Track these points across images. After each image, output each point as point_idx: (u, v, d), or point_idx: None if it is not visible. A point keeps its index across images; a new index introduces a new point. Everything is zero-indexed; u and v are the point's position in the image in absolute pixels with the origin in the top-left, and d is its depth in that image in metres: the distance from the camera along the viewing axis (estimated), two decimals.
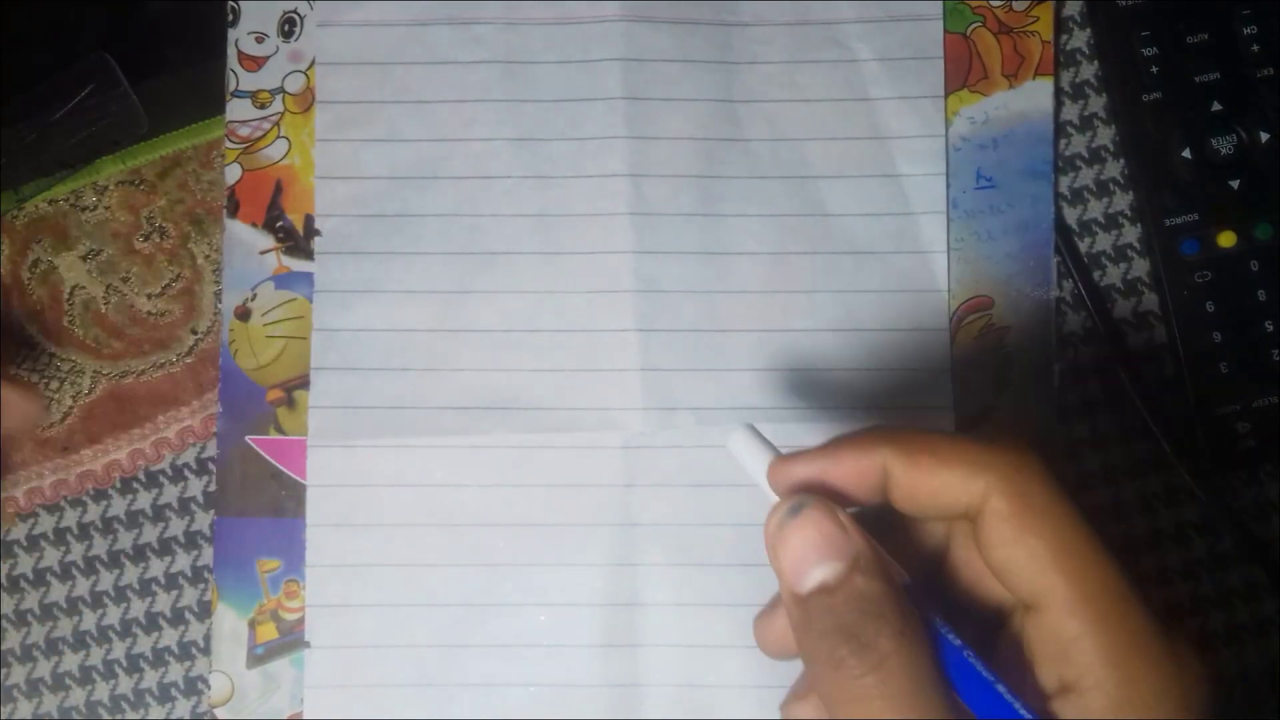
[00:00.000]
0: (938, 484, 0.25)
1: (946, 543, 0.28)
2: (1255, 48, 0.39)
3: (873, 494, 0.26)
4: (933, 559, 0.28)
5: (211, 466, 0.40)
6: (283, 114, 0.40)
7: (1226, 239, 0.39)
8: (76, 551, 0.40)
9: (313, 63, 0.40)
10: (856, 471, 0.26)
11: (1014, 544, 0.24)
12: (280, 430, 0.39)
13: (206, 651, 0.39)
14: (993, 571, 0.25)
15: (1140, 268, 0.40)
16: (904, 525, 0.28)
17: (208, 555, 0.40)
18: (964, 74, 0.40)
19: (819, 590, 0.25)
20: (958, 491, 0.25)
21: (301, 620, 0.39)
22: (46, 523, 0.40)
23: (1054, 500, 0.25)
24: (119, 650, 0.40)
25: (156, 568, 0.40)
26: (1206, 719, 0.23)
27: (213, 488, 0.40)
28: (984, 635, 0.27)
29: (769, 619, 0.28)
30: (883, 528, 0.27)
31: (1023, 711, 0.23)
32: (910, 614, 0.24)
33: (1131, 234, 0.40)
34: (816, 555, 0.25)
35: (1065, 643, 0.24)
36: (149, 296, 0.40)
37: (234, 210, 0.40)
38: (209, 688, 0.39)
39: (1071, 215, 0.40)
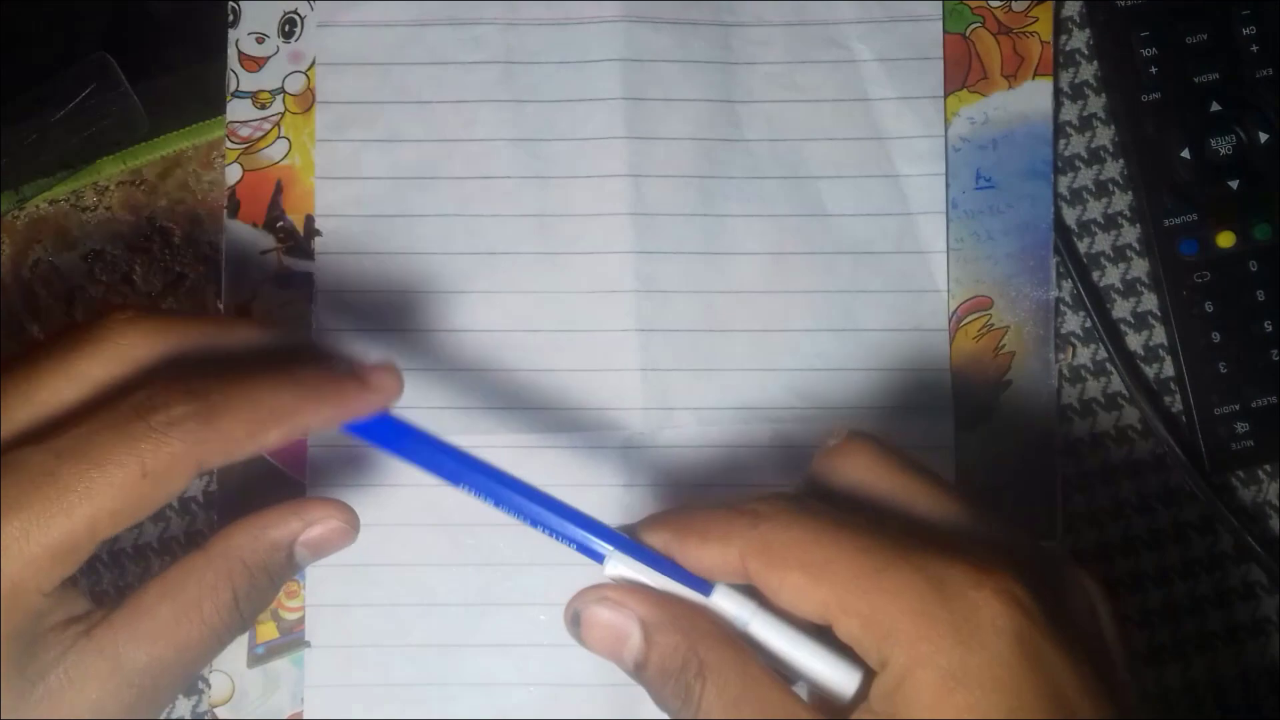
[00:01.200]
0: (708, 561, 0.27)
1: None
2: (1255, 48, 0.39)
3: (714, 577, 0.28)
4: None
5: None
6: (283, 114, 0.40)
7: (1225, 239, 0.39)
8: None
9: (313, 63, 0.40)
10: (688, 563, 0.28)
11: (780, 588, 0.26)
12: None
13: None
14: (786, 611, 0.27)
15: (1139, 268, 0.40)
16: None
17: None
18: (963, 74, 0.40)
19: (636, 669, 0.27)
20: (724, 563, 0.26)
21: (302, 620, 0.39)
22: None
23: (797, 533, 0.26)
24: None
25: (157, 567, 0.40)
26: (1002, 647, 0.24)
27: (213, 488, 0.40)
28: None
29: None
30: None
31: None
32: (704, 644, 0.26)
33: (1131, 234, 0.40)
34: (614, 642, 0.27)
35: (855, 640, 0.25)
36: (150, 297, 0.40)
37: (234, 210, 0.40)
38: (209, 687, 0.39)
39: (1071, 215, 0.40)
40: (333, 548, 0.31)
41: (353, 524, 0.31)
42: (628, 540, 0.28)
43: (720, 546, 0.27)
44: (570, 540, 0.29)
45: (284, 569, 0.30)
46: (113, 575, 0.40)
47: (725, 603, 0.27)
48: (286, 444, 0.29)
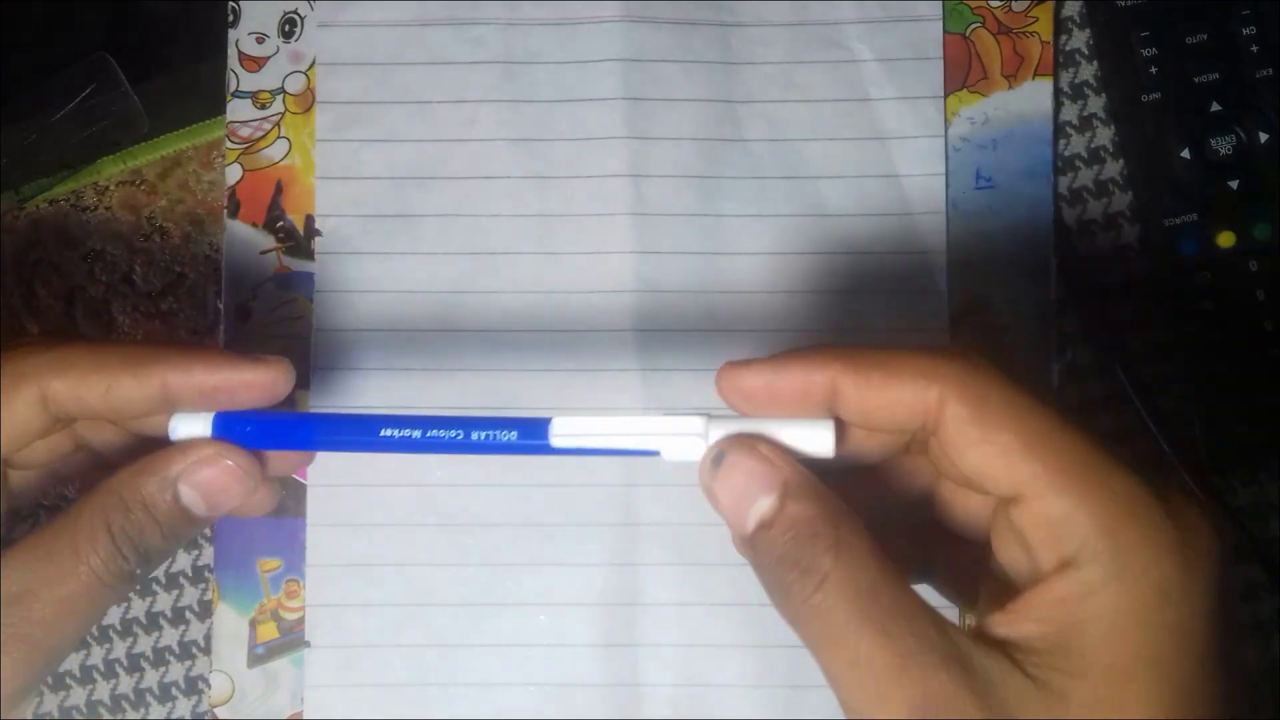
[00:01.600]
0: (891, 398, 0.25)
1: (906, 475, 0.28)
2: (1255, 48, 0.39)
3: (818, 409, 0.26)
4: (899, 496, 0.28)
5: None
6: (283, 114, 0.40)
7: (1226, 239, 0.39)
8: None
9: (313, 63, 0.40)
10: (804, 386, 0.26)
11: (982, 443, 0.24)
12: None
13: (207, 651, 0.39)
14: (966, 480, 0.25)
15: (1139, 268, 0.40)
16: (864, 474, 0.28)
17: (208, 555, 0.40)
18: (963, 74, 0.40)
19: (760, 528, 0.25)
20: (911, 404, 0.25)
21: (302, 620, 0.39)
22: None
23: (1012, 394, 0.24)
24: (119, 649, 0.40)
25: (158, 567, 0.40)
26: (1209, 573, 0.23)
27: None
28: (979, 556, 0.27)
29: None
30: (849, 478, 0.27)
31: None
32: (845, 521, 0.25)
33: (1130, 234, 0.40)
34: (748, 496, 0.25)
35: (1056, 523, 0.23)
36: (150, 297, 0.40)
37: (234, 210, 0.40)
38: (209, 687, 0.39)
39: (1071, 215, 0.40)
40: (227, 496, 0.29)
41: (252, 471, 0.29)
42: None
43: (917, 385, 0.25)
44: (509, 434, 0.28)
45: (172, 511, 0.29)
46: None
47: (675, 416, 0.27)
48: (164, 404, 0.29)
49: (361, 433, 0.29)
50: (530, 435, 0.28)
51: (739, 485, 0.26)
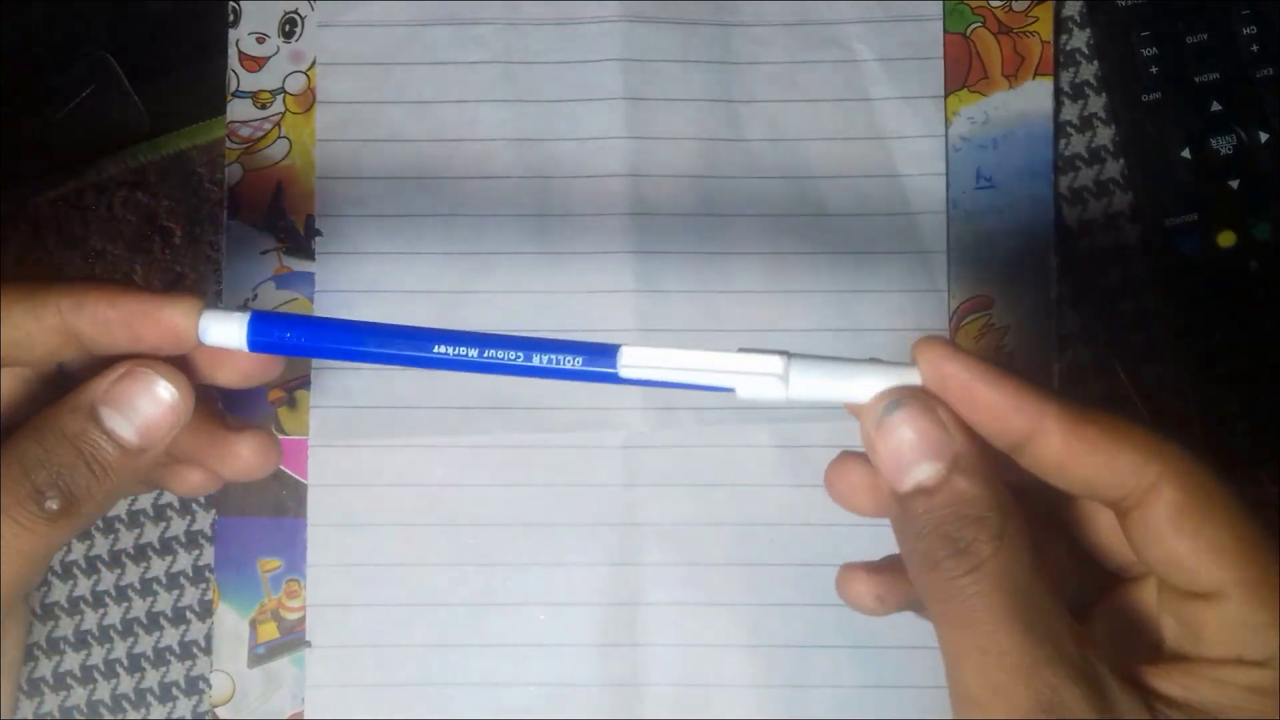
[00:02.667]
0: (1102, 461, 0.24)
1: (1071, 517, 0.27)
2: (1255, 48, 0.39)
3: (1005, 442, 0.25)
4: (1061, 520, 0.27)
5: None
6: (283, 114, 0.40)
7: (1226, 239, 0.39)
8: (78, 551, 0.40)
9: (313, 63, 0.40)
10: (1007, 412, 0.24)
11: (1194, 536, 0.24)
12: (281, 430, 0.39)
13: (208, 651, 0.39)
14: (1154, 562, 0.24)
15: (1140, 268, 0.40)
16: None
17: (209, 555, 0.40)
18: (964, 74, 0.40)
19: (917, 491, 0.24)
20: (1125, 474, 0.24)
21: (302, 620, 0.39)
22: None
23: (1230, 492, 0.24)
24: (120, 649, 0.40)
25: (158, 567, 0.40)
26: None
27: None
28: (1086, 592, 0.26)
29: (843, 467, 0.27)
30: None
31: None
32: (1012, 515, 0.24)
33: (1131, 234, 0.40)
34: (915, 454, 0.24)
35: (1250, 629, 0.23)
36: None
37: (235, 211, 0.40)
38: (210, 687, 0.39)
39: (1071, 215, 0.40)
40: (155, 416, 0.27)
41: (180, 388, 0.28)
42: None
43: (1137, 456, 0.24)
44: (574, 358, 0.26)
45: (96, 441, 0.27)
46: (114, 575, 0.40)
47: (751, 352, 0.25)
48: (67, 342, 0.27)
49: (414, 346, 0.27)
50: (597, 361, 0.26)
51: (908, 440, 0.24)
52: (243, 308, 0.28)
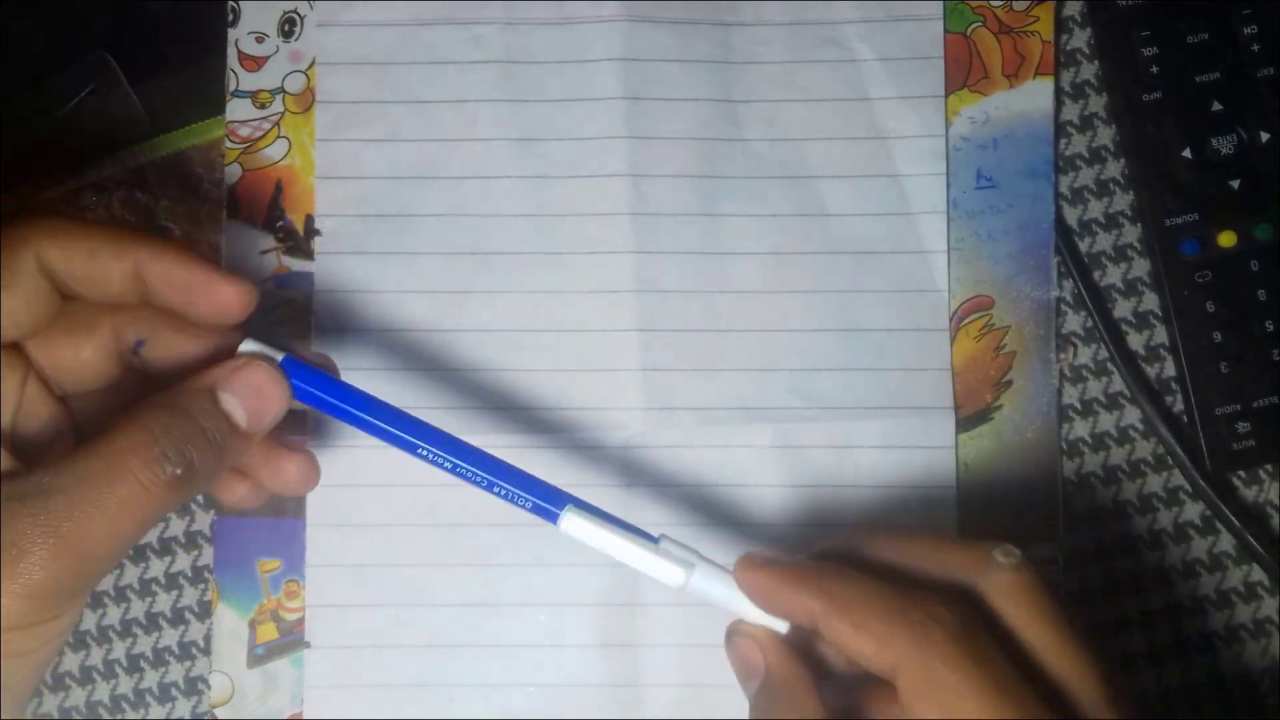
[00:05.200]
0: (853, 649, 0.29)
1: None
2: (1255, 47, 0.39)
3: (808, 621, 0.30)
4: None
5: None
6: (283, 114, 0.40)
7: (1227, 239, 0.39)
8: None
9: (313, 63, 0.40)
10: (794, 609, 0.30)
11: (853, 636, 0.29)
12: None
13: (207, 651, 0.39)
14: (848, 659, 0.30)
15: (1140, 268, 0.40)
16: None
17: (208, 555, 0.40)
18: (964, 74, 0.40)
19: (758, 692, 0.31)
20: (871, 662, 0.29)
21: (301, 620, 0.39)
22: None
23: (960, 677, 0.27)
24: (119, 650, 0.40)
25: (157, 568, 0.40)
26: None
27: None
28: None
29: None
30: None
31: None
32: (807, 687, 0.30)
33: (1131, 234, 0.40)
34: (747, 674, 0.32)
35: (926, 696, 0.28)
36: None
37: (234, 210, 0.40)
38: (209, 688, 0.39)
39: (1072, 215, 0.40)
40: (266, 403, 0.31)
41: (285, 385, 0.31)
42: (579, 500, 0.31)
43: (870, 646, 0.29)
44: (526, 499, 0.31)
45: (215, 418, 0.30)
46: (112, 576, 0.40)
47: (671, 548, 0.31)
48: (136, 286, 0.31)
49: (401, 437, 0.31)
50: (543, 510, 0.31)
51: (738, 661, 0.32)
52: (281, 345, 0.32)
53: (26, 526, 0.27)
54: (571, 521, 0.31)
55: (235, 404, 0.30)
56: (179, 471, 0.29)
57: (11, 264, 0.30)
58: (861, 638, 0.28)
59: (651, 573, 0.31)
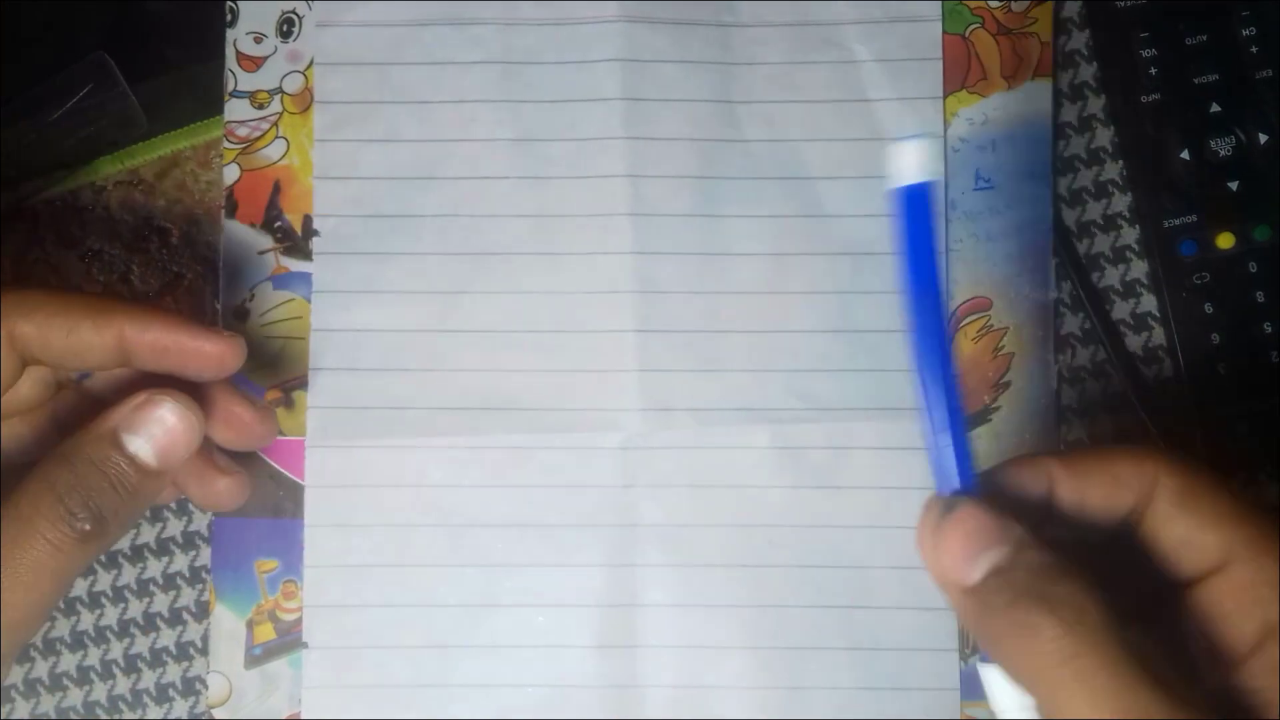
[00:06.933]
0: (1108, 478, 0.27)
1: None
2: (1255, 49, 0.39)
3: (1036, 509, 0.27)
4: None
5: None
6: (281, 114, 0.40)
7: (1225, 240, 0.39)
8: None
9: (311, 63, 0.40)
10: (1026, 482, 0.27)
11: (1195, 512, 0.26)
12: (279, 431, 0.39)
13: (204, 652, 0.39)
14: (1169, 550, 0.27)
15: (1139, 269, 0.40)
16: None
17: (205, 556, 0.39)
18: (963, 75, 0.40)
19: (992, 573, 0.25)
20: (1130, 478, 0.26)
21: (299, 621, 0.39)
22: None
23: (1216, 478, 0.27)
24: (116, 650, 0.40)
25: (154, 568, 0.40)
26: None
27: None
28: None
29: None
30: None
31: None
32: (1083, 577, 0.24)
33: (1130, 235, 0.40)
34: (980, 545, 0.25)
35: (1264, 587, 0.25)
36: (147, 297, 0.40)
37: (232, 210, 0.40)
38: (206, 688, 0.39)
39: (1070, 216, 0.40)
40: (173, 441, 0.30)
41: (194, 414, 0.30)
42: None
43: (1132, 470, 0.27)
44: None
45: (120, 464, 0.29)
46: (110, 576, 0.40)
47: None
48: (119, 356, 0.30)
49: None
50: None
51: (971, 533, 0.25)
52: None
53: None
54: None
55: (141, 443, 0.30)
56: (88, 527, 0.28)
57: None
58: (1117, 462, 0.27)
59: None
